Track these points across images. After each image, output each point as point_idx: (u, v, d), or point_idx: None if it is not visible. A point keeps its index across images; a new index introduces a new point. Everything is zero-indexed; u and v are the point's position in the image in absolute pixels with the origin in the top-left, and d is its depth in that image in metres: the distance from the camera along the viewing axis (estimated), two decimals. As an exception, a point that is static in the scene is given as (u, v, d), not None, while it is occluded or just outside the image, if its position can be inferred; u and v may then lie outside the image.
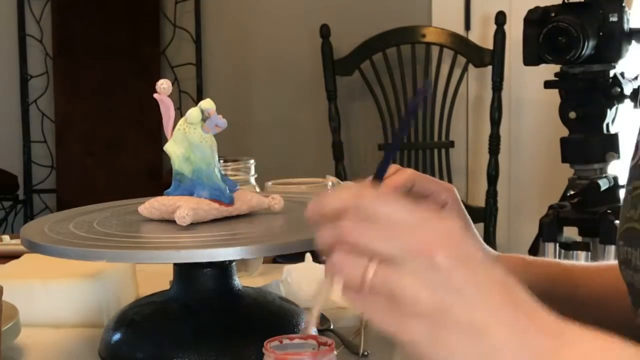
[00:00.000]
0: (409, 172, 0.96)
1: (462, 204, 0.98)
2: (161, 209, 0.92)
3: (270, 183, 1.44)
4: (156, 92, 0.92)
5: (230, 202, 0.93)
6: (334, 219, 0.58)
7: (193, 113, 0.91)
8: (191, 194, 0.92)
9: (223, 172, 0.99)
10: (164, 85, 0.92)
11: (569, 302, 0.94)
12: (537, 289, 0.91)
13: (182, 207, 0.89)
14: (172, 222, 0.91)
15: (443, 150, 2.91)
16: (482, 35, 2.96)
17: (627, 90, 2.10)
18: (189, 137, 0.92)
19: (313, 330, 0.93)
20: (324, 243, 0.59)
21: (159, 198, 0.93)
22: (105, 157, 3.15)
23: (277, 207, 0.96)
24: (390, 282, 0.56)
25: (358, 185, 0.60)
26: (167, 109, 0.92)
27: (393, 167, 0.96)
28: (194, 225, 0.90)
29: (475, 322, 0.56)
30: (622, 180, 2.15)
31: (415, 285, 0.55)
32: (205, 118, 0.91)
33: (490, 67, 2.85)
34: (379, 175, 0.63)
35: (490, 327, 0.56)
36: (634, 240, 0.84)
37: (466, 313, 0.56)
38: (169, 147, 0.92)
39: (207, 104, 0.92)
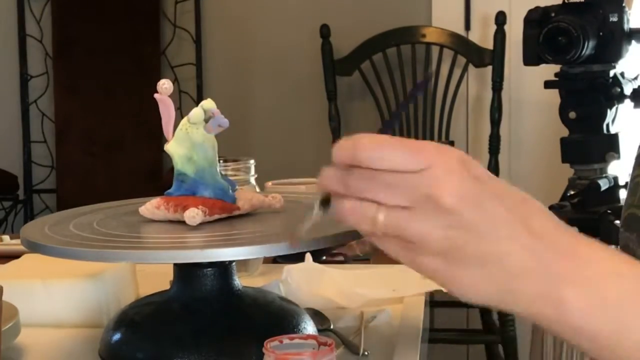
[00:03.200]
0: None
1: None
2: (167, 210, 0.91)
3: (270, 183, 1.44)
4: (157, 92, 0.92)
5: (233, 202, 0.93)
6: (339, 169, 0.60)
7: (196, 113, 0.91)
8: (194, 194, 0.92)
9: (223, 172, 0.99)
10: (165, 86, 0.92)
11: None
12: None
13: (191, 207, 0.89)
14: (172, 222, 0.91)
15: (443, 150, 2.91)
16: (482, 35, 2.96)
17: (627, 90, 2.10)
18: (192, 137, 0.91)
19: (311, 330, 0.93)
20: (328, 192, 0.61)
21: (161, 199, 0.93)
22: (105, 157, 3.15)
23: (278, 205, 0.96)
24: (400, 227, 0.57)
25: (356, 136, 0.61)
26: (167, 109, 0.92)
27: None
28: (192, 225, 0.90)
29: (489, 255, 0.57)
30: (622, 180, 2.15)
31: (425, 228, 0.57)
32: (207, 118, 0.91)
33: (490, 67, 2.85)
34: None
35: (504, 257, 0.57)
36: (632, 225, 0.84)
37: (479, 248, 0.57)
38: (171, 148, 0.92)
39: (209, 103, 0.92)
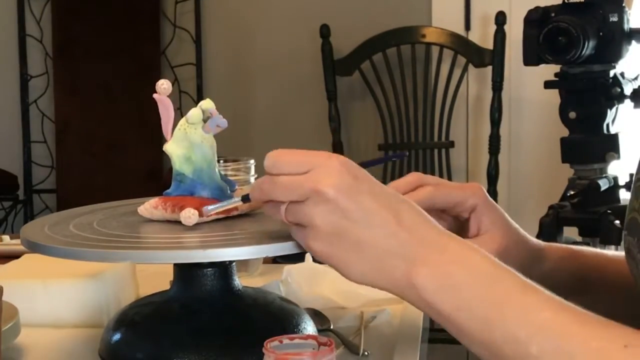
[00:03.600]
0: (426, 191, 0.88)
1: (491, 200, 0.91)
2: (165, 210, 0.91)
3: (270, 183, 1.43)
4: (156, 92, 0.92)
5: None
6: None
7: (195, 113, 0.91)
8: (192, 194, 0.92)
9: (223, 172, 0.99)
10: (164, 86, 0.92)
11: (618, 290, 0.93)
12: (586, 279, 0.94)
13: (187, 207, 0.89)
14: (172, 222, 0.91)
15: (443, 150, 2.91)
16: (482, 35, 2.96)
17: (627, 90, 2.10)
18: (190, 137, 0.91)
19: (311, 330, 0.93)
20: (256, 200, 0.78)
21: (159, 199, 0.93)
22: (105, 157, 3.14)
23: None
24: (295, 214, 0.72)
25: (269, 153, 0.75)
26: (167, 109, 0.92)
27: (413, 177, 0.90)
28: (193, 225, 0.90)
29: (364, 240, 0.70)
30: (622, 180, 2.15)
31: (311, 215, 0.71)
32: (206, 118, 0.91)
33: (490, 67, 2.85)
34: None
35: (375, 241, 0.70)
36: (633, 229, 0.84)
37: (355, 232, 0.70)
38: (169, 148, 0.92)
39: (208, 104, 0.92)
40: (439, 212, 0.90)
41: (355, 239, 0.70)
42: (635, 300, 0.87)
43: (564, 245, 0.98)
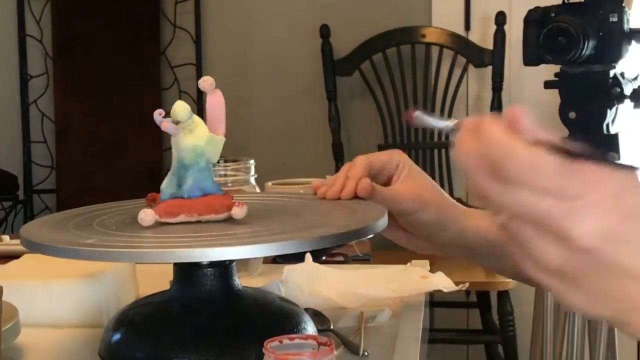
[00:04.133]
0: (361, 160, 1.01)
1: (412, 162, 1.04)
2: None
3: (270, 183, 1.44)
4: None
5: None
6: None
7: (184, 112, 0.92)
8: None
9: (223, 172, 0.99)
10: (209, 82, 0.93)
11: None
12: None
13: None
14: (172, 222, 0.91)
15: (443, 150, 2.91)
16: (482, 35, 2.96)
17: (627, 90, 2.10)
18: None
19: (311, 330, 0.93)
20: (467, 166, 0.60)
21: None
22: (105, 157, 3.15)
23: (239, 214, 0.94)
24: (526, 238, 0.56)
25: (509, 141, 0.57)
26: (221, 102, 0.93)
27: (344, 170, 1.01)
28: (193, 225, 0.90)
29: (609, 291, 0.55)
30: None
31: (549, 250, 0.55)
32: (176, 121, 0.92)
33: (490, 67, 2.85)
34: None
35: (628, 294, 0.55)
36: None
37: (599, 282, 0.55)
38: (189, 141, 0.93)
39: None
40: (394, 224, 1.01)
41: (598, 287, 0.56)
42: None
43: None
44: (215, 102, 0.91)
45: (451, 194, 2.65)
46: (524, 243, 0.56)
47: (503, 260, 1.03)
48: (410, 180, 1.01)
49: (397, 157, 1.03)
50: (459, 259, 1.10)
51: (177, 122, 0.92)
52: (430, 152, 2.92)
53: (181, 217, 0.91)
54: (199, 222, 0.91)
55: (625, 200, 0.54)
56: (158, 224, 0.91)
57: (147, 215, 0.90)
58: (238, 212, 0.91)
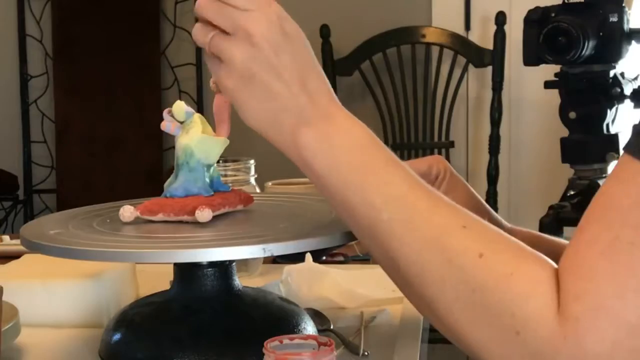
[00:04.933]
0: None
1: (453, 169, 1.02)
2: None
3: (270, 183, 1.44)
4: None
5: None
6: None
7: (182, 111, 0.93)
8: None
9: (223, 172, 0.99)
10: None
11: None
12: None
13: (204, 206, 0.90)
14: (172, 222, 0.91)
15: (443, 150, 2.91)
16: (482, 35, 2.96)
17: (627, 90, 2.10)
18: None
19: (311, 330, 0.93)
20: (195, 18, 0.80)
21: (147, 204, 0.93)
22: (105, 157, 3.15)
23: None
24: (218, 46, 0.76)
25: None
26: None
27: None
28: (193, 225, 0.90)
29: (268, 90, 0.75)
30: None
31: (233, 51, 0.75)
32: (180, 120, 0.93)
33: (490, 67, 2.85)
34: None
35: (278, 96, 0.75)
36: None
37: (264, 80, 0.75)
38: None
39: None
40: None
41: (261, 88, 0.75)
42: None
43: (527, 230, 1.04)
44: (221, 102, 0.91)
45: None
46: (219, 51, 0.76)
47: None
48: (450, 193, 0.95)
49: (437, 167, 1.00)
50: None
51: (179, 122, 0.92)
52: (430, 152, 2.92)
53: (160, 216, 0.91)
54: (196, 222, 0.91)
55: (286, 22, 0.78)
56: (160, 224, 0.91)
57: (125, 212, 0.92)
58: (201, 215, 0.90)
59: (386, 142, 2.90)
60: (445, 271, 0.67)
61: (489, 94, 2.88)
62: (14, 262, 1.21)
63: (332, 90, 0.79)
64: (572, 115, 2.12)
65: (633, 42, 2.10)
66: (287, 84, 0.75)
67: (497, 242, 0.68)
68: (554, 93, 2.19)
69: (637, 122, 0.69)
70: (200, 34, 0.78)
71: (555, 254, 0.98)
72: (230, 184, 1.29)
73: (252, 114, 0.78)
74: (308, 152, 0.76)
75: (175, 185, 0.93)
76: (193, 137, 0.92)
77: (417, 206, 0.71)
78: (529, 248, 0.68)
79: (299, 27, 0.79)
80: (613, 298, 0.60)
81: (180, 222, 0.91)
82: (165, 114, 0.92)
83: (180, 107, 0.93)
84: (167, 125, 0.91)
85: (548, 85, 2.17)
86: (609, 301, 0.60)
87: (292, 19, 0.80)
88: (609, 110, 2.11)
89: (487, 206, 1.03)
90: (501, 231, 0.70)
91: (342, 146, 0.75)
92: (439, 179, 1.00)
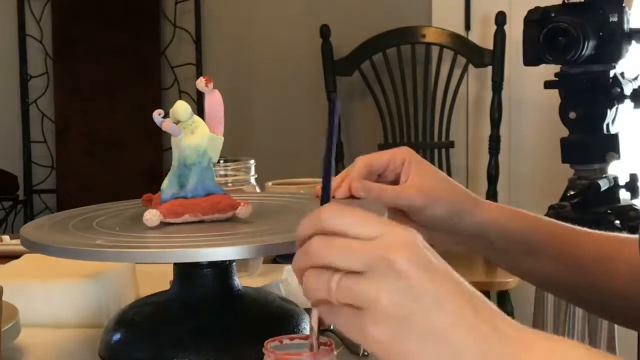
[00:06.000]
0: (361, 160, 0.97)
1: (420, 157, 0.99)
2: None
3: (270, 183, 1.44)
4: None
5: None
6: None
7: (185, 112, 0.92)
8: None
9: (223, 172, 0.99)
10: (204, 82, 0.93)
11: (565, 256, 0.99)
12: (530, 239, 0.99)
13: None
14: (172, 222, 0.91)
15: (443, 150, 2.91)
16: (482, 35, 2.96)
17: (627, 90, 2.10)
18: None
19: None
20: (298, 270, 0.62)
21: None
22: (105, 157, 3.15)
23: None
24: (352, 290, 0.58)
25: (316, 210, 0.61)
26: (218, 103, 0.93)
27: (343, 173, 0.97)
28: (193, 225, 0.90)
29: (435, 329, 0.57)
30: (622, 180, 2.15)
31: (375, 290, 0.57)
32: (177, 121, 0.92)
33: (490, 67, 2.85)
34: (325, 197, 0.66)
35: (450, 332, 0.57)
36: None
37: (426, 319, 0.57)
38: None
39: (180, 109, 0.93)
40: (382, 176, 0.98)
41: (425, 326, 0.57)
42: (579, 269, 0.95)
43: (505, 206, 1.03)
44: (214, 102, 0.91)
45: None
46: (355, 299, 0.58)
47: (520, 259, 1.01)
48: (418, 177, 0.97)
49: (401, 155, 0.99)
50: (458, 259, 1.09)
51: (177, 122, 0.92)
52: (430, 152, 2.92)
53: (185, 217, 0.91)
54: (201, 221, 0.91)
55: (420, 238, 0.60)
56: (160, 224, 0.91)
57: (153, 216, 0.89)
58: (243, 211, 0.91)
59: (386, 142, 2.91)
60: None
61: (489, 94, 2.88)
62: (14, 262, 1.21)
63: (498, 310, 0.61)
64: (572, 115, 2.12)
65: (633, 42, 2.10)
66: (456, 315, 0.58)
67: None
68: (554, 93, 2.19)
69: None
70: (316, 284, 0.60)
71: (546, 231, 1.00)
72: (230, 184, 1.30)
73: None
74: None
75: (192, 185, 0.92)
76: (203, 136, 0.92)
77: None
78: None
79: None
80: None
81: (184, 223, 0.91)
82: (155, 115, 0.90)
83: (185, 107, 0.92)
84: (171, 126, 0.91)
85: (548, 85, 2.18)
86: None
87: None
88: (609, 110, 2.11)
89: (460, 186, 1.01)
90: None
91: None
92: (404, 165, 0.98)
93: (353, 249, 0.58)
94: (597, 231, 1.02)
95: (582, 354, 0.59)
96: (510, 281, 2.42)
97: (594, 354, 0.59)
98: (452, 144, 2.92)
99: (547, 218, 1.05)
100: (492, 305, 0.60)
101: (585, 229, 1.03)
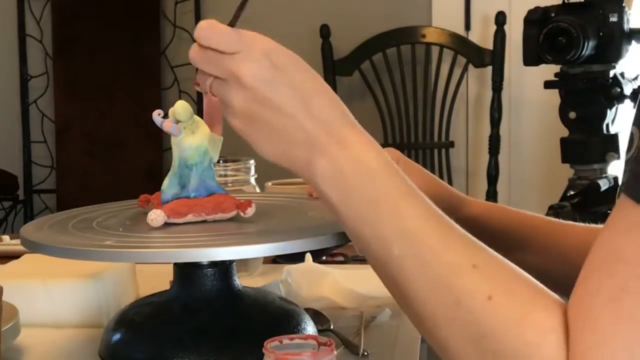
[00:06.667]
0: None
1: (406, 157, 1.03)
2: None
3: (270, 183, 1.44)
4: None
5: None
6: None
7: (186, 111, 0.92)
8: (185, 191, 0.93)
9: (223, 172, 0.99)
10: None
11: (549, 250, 1.00)
12: (514, 233, 1.01)
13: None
14: (172, 222, 0.91)
15: (443, 150, 2.91)
16: (482, 35, 2.96)
17: (627, 90, 2.11)
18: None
19: (311, 330, 0.93)
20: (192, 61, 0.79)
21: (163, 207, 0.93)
22: (105, 157, 3.15)
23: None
24: (218, 91, 0.77)
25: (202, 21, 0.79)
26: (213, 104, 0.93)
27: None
28: (193, 225, 0.90)
29: (275, 125, 0.74)
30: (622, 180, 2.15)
31: (230, 97, 0.75)
32: (177, 121, 0.92)
33: (490, 67, 2.85)
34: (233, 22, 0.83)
35: (284, 128, 0.74)
36: None
37: (267, 118, 0.74)
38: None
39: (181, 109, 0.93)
40: None
41: (265, 126, 0.75)
42: (564, 261, 0.96)
43: (490, 202, 1.07)
44: (212, 102, 0.91)
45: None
46: (220, 97, 0.77)
47: (506, 253, 1.02)
48: (408, 174, 0.99)
49: (389, 155, 1.01)
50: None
51: (177, 122, 0.92)
52: (430, 152, 2.92)
53: (189, 217, 0.91)
54: (204, 221, 0.91)
55: (274, 55, 0.77)
56: (163, 225, 0.91)
57: (157, 216, 0.89)
58: (249, 210, 0.91)
59: (386, 142, 2.90)
60: (454, 313, 0.65)
61: (489, 94, 2.88)
62: (14, 262, 1.21)
63: (345, 110, 0.79)
64: (572, 115, 2.12)
65: (633, 42, 2.10)
66: (290, 116, 0.74)
67: (508, 283, 0.66)
68: (554, 93, 2.20)
69: (628, 157, 0.68)
70: (201, 82, 0.78)
71: (531, 225, 1.01)
72: (230, 184, 1.30)
73: (265, 151, 0.76)
74: (323, 185, 0.73)
75: (194, 185, 0.92)
76: (204, 136, 0.92)
77: (429, 242, 0.68)
78: (539, 285, 0.66)
79: (292, 53, 0.80)
80: (620, 351, 0.59)
81: (187, 223, 0.91)
82: (155, 115, 0.90)
83: (185, 108, 0.92)
84: (173, 126, 0.91)
85: (548, 85, 2.18)
86: (617, 355, 0.59)
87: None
88: (608, 110, 2.11)
89: (445, 185, 1.04)
90: (515, 268, 0.68)
91: (355, 176, 0.72)
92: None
93: (214, 62, 0.76)
94: (582, 224, 1.02)
95: (378, 164, 0.74)
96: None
97: (384, 170, 0.74)
98: (452, 144, 2.92)
99: (531, 213, 1.06)
100: (331, 104, 0.79)
101: (570, 222, 1.03)
